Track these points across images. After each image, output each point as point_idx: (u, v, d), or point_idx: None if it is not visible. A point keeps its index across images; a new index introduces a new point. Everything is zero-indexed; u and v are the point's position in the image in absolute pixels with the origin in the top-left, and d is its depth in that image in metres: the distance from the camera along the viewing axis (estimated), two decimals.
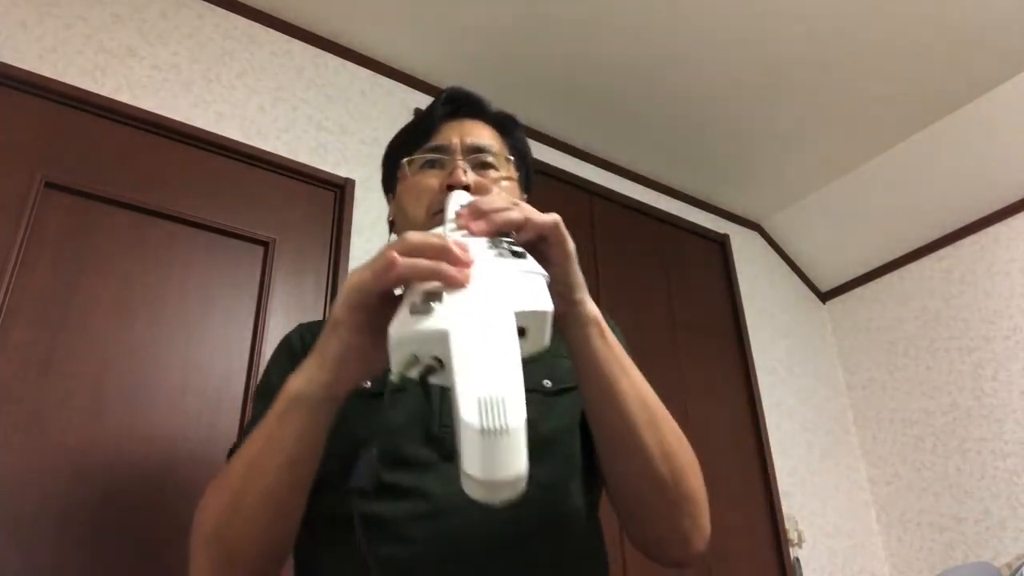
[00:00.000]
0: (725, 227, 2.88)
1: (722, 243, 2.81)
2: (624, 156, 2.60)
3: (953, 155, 2.55)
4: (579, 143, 2.51)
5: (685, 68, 2.24)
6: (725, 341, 2.58)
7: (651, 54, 2.18)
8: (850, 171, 2.73)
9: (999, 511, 2.39)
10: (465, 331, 0.43)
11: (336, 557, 0.68)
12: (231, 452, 0.75)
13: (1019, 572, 2.19)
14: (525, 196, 0.91)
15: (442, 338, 0.43)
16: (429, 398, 0.48)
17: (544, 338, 0.48)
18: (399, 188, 0.86)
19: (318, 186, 1.83)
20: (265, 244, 1.67)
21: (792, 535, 2.32)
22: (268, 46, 1.92)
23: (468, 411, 0.38)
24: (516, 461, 0.38)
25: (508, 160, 0.85)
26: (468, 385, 0.39)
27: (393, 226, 0.89)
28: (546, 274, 0.52)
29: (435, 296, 0.46)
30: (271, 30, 1.94)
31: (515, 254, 0.53)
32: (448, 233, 0.56)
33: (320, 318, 1.45)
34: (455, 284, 0.48)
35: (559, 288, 0.60)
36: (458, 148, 0.82)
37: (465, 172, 0.78)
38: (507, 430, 0.37)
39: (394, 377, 0.45)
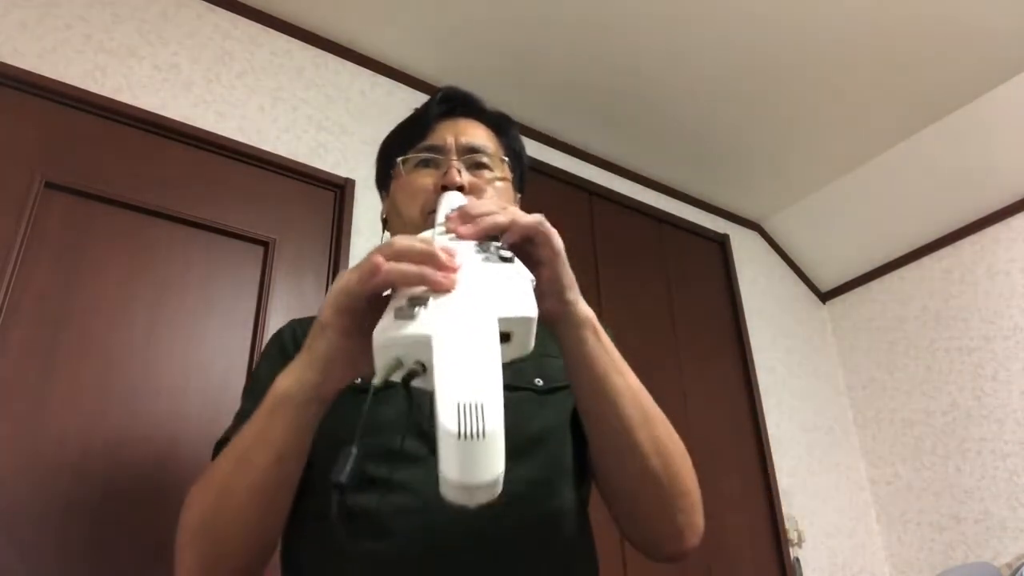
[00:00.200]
0: (725, 227, 2.88)
1: (722, 243, 2.81)
2: (624, 156, 2.60)
3: (953, 155, 2.55)
4: (579, 143, 2.51)
5: (685, 68, 2.24)
6: (725, 341, 2.58)
7: (651, 54, 2.18)
8: (850, 171, 2.73)
9: (999, 511, 2.39)
10: (448, 337, 0.44)
11: (320, 552, 0.68)
12: (217, 446, 0.75)
13: (1019, 572, 2.19)
14: (519, 195, 0.91)
15: (425, 343, 0.44)
16: (411, 401, 0.49)
17: (528, 343, 0.49)
18: (393, 186, 0.87)
19: (318, 186, 1.83)
20: (265, 244, 1.67)
21: (792, 535, 2.32)
22: (268, 46, 1.92)
23: (447, 416, 0.39)
24: (493, 465, 0.39)
25: (503, 161, 0.86)
26: (448, 390, 0.40)
27: (387, 223, 0.89)
28: (533, 278, 0.53)
29: (420, 301, 0.47)
30: (271, 30, 1.94)
31: (503, 259, 0.53)
32: (437, 237, 0.57)
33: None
34: (440, 288, 0.49)
35: (550, 288, 0.61)
36: (453, 148, 0.82)
37: (459, 172, 0.79)
38: (484, 435, 0.38)
39: (377, 381, 0.46)
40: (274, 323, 1.59)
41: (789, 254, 3.08)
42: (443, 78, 2.16)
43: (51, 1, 1.60)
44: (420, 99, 2.11)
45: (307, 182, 1.81)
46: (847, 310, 3.03)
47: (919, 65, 2.24)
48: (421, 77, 2.18)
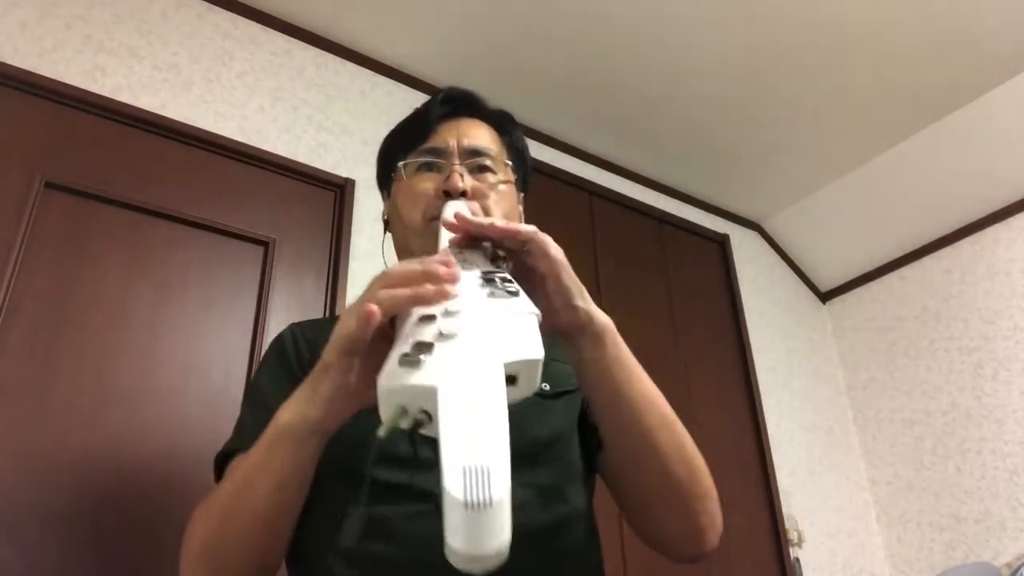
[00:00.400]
0: (725, 227, 2.88)
1: (722, 243, 2.81)
2: (624, 156, 2.60)
3: (953, 155, 2.54)
4: (579, 143, 2.51)
5: (685, 68, 2.24)
6: (725, 341, 2.58)
7: (651, 54, 2.18)
8: (850, 171, 2.73)
9: (999, 511, 2.39)
10: (453, 389, 0.43)
11: (328, 557, 0.68)
12: (217, 459, 0.75)
13: (1019, 572, 2.19)
14: (523, 195, 0.91)
15: (431, 394, 0.43)
16: (415, 449, 0.49)
17: (535, 383, 0.49)
18: (395, 189, 0.86)
19: (318, 186, 1.83)
20: (265, 244, 1.67)
21: (792, 535, 2.32)
22: (268, 46, 1.92)
23: (452, 481, 0.38)
24: (499, 535, 0.38)
25: (506, 164, 0.84)
26: (453, 452, 0.40)
27: (388, 225, 0.89)
28: (539, 312, 0.52)
29: (425, 348, 0.46)
30: (271, 30, 1.94)
31: (509, 292, 0.53)
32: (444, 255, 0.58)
33: (319, 318, 1.45)
34: (440, 300, 0.49)
35: (558, 298, 0.61)
36: (455, 151, 0.81)
37: (462, 177, 0.77)
38: (491, 504, 0.37)
39: (382, 432, 0.45)
40: (274, 323, 1.59)
41: (789, 254, 3.07)
42: (443, 78, 2.16)
43: (51, 1, 1.60)
44: (420, 99, 2.10)
45: (307, 182, 1.81)
46: (847, 310, 3.03)
47: (919, 65, 2.24)
48: (421, 77, 2.18)
